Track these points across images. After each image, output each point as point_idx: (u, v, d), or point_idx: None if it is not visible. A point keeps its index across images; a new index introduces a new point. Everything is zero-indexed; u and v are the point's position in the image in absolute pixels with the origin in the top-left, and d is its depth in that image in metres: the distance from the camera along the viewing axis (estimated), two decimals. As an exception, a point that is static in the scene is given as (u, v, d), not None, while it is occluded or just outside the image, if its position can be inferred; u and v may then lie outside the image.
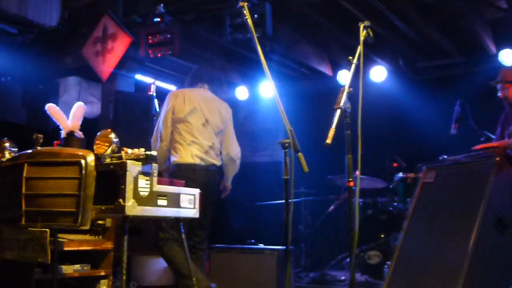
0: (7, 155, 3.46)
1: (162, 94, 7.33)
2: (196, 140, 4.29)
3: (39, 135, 3.28)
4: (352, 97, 2.81)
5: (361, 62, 2.81)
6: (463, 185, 3.96)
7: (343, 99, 2.66)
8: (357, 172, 2.92)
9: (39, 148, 3.26)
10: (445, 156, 4.29)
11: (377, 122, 7.06)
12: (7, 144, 3.50)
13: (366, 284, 5.54)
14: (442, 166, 4.18)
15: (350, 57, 2.83)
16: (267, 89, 8.32)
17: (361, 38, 2.86)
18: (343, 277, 5.83)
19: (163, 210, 3.20)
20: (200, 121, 4.35)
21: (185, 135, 4.29)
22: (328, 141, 2.55)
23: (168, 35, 5.72)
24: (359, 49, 2.83)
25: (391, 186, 6.15)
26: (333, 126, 2.59)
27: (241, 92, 8.71)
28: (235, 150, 4.61)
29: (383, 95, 7.41)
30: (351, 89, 2.73)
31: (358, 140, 2.68)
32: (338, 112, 2.64)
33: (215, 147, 4.43)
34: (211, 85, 4.56)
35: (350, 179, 2.72)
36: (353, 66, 2.80)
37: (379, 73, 7.43)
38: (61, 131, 3.83)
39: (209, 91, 4.55)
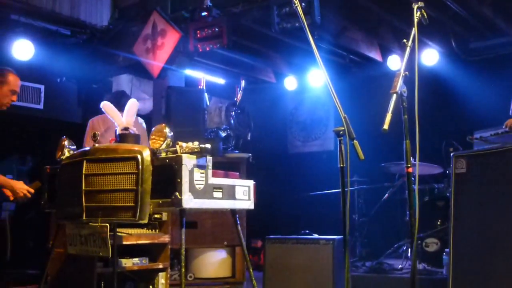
0: (67, 153, 3.55)
1: (212, 88, 7.42)
2: None
3: (97, 132, 3.36)
4: (406, 81, 2.75)
5: (416, 45, 2.73)
6: (501, 174, 3.93)
7: (399, 84, 2.59)
8: (416, 158, 2.85)
9: (96, 145, 3.33)
10: (470, 137, 4.21)
11: (431, 107, 6.91)
12: (66, 142, 3.60)
13: (424, 272, 5.43)
14: (473, 155, 4.12)
15: (405, 40, 2.75)
16: (316, 78, 8.26)
17: (415, 20, 2.78)
18: (400, 266, 5.73)
19: (218, 202, 3.22)
20: None
21: None
22: (385, 126, 2.49)
23: (216, 29, 5.74)
24: (414, 31, 2.75)
25: (448, 172, 5.99)
26: (390, 111, 2.52)
27: (290, 82, 8.68)
28: None
29: (436, 79, 7.24)
30: (406, 72, 2.66)
31: (416, 125, 2.61)
32: (394, 96, 2.58)
33: None
34: None
35: (409, 165, 2.66)
36: (408, 49, 2.72)
37: (431, 56, 7.27)
38: (116, 128, 3.90)
39: None
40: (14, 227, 7.73)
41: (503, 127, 4.22)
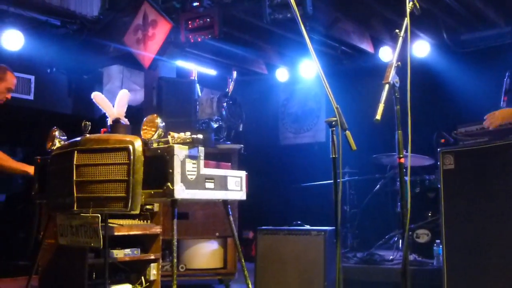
0: (57, 143, 3.54)
1: (203, 79, 7.39)
2: None
3: (88, 122, 3.34)
4: (398, 72, 2.74)
5: (408, 35, 2.73)
6: (489, 169, 4.01)
7: (391, 74, 2.60)
8: (408, 149, 2.85)
9: (87, 135, 3.32)
10: (456, 131, 4.24)
11: (422, 98, 6.93)
12: (56, 133, 3.58)
13: (415, 263, 5.46)
14: (460, 151, 4.17)
15: (397, 30, 2.75)
16: (308, 70, 8.25)
17: (408, 10, 2.77)
18: (391, 257, 5.76)
19: (211, 193, 3.22)
20: None
21: None
22: (378, 117, 2.49)
23: (208, 19, 5.71)
24: (406, 21, 2.75)
25: (438, 163, 6.01)
26: (382, 101, 2.52)
27: (281, 74, 8.67)
28: None
29: (427, 70, 7.26)
30: (399, 63, 2.66)
31: (408, 115, 2.61)
32: (387, 87, 2.58)
33: None
34: None
35: (401, 156, 2.66)
36: (400, 39, 2.72)
37: (422, 48, 7.29)
38: (107, 119, 3.89)
39: None
40: (4, 219, 7.72)
41: (483, 123, 4.24)
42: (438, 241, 5.31)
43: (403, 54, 2.79)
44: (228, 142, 5.89)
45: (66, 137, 3.60)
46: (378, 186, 6.65)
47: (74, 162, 3.14)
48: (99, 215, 3.09)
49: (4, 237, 7.15)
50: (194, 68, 6.43)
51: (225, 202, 3.48)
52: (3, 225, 7.44)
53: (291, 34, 7.04)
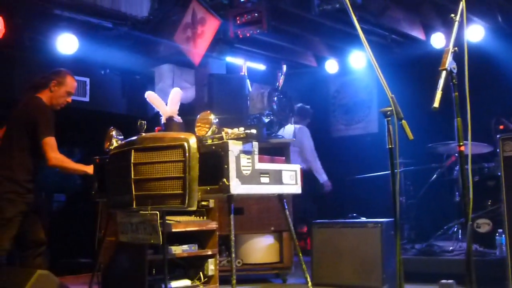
0: (114, 143, 3.62)
1: (253, 74, 7.40)
2: None
3: (143, 121, 3.40)
4: (454, 58, 2.66)
5: (464, 19, 2.65)
6: None
7: (448, 60, 2.52)
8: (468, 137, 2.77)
9: (143, 134, 3.38)
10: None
11: (478, 84, 6.72)
12: (113, 133, 3.66)
13: (477, 253, 5.31)
14: None
15: (452, 15, 2.67)
16: (358, 60, 8.15)
17: (463, -7, 2.69)
18: (451, 247, 5.63)
19: (266, 187, 3.22)
20: None
21: None
22: (436, 104, 2.43)
23: (256, 14, 5.72)
24: (462, 4, 2.67)
25: (498, 150, 5.82)
26: (440, 89, 2.46)
27: (331, 66, 8.58)
28: None
29: (482, 55, 7.02)
30: (455, 48, 2.58)
31: (467, 102, 2.54)
32: (444, 73, 2.51)
33: None
34: None
35: (461, 144, 2.58)
36: (456, 24, 2.64)
37: (476, 32, 7.05)
38: (160, 117, 3.95)
39: None
40: (65, 218, 7.97)
41: None
42: (500, 230, 5.14)
43: (458, 39, 2.71)
44: (280, 136, 5.88)
45: (122, 137, 3.67)
46: (434, 175, 6.50)
47: (132, 161, 3.20)
48: (157, 212, 3.14)
49: (65, 236, 7.39)
50: (243, 63, 6.44)
51: (280, 197, 3.47)
52: (64, 224, 7.69)
53: (340, 25, 6.96)
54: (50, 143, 3.88)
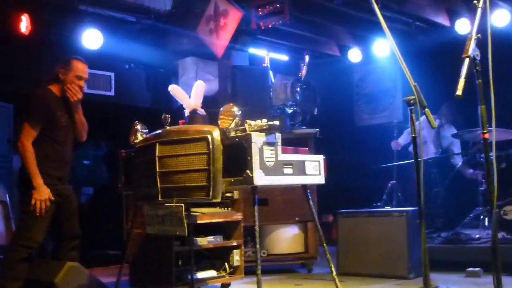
0: (140, 136, 3.67)
1: (276, 65, 7.40)
2: None
3: (167, 115, 3.44)
4: (478, 45, 2.63)
5: (487, 5, 2.61)
6: None
7: (471, 47, 2.49)
8: (492, 124, 2.73)
9: (167, 127, 3.42)
10: None
11: (504, 70, 6.61)
12: (138, 127, 3.71)
13: (504, 241, 5.25)
14: None
15: (475, 1, 2.63)
16: (381, 48, 8.07)
17: (486, -22, 2.65)
18: (477, 235, 5.57)
19: (289, 178, 3.24)
20: None
21: None
22: (459, 92, 2.40)
23: (277, 5, 5.73)
24: (485, -11, 2.62)
25: (525, 137, 5.75)
26: (463, 76, 2.43)
27: (354, 54, 8.52)
28: None
29: (508, 40, 6.90)
30: (479, 35, 2.55)
31: (491, 89, 2.51)
32: (467, 61, 2.48)
33: None
34: None
35: (485, 131, 2.56)
36: (479, 10, 2.60)
37: (502, 17, 6.93)
38: (184, 110, 3.98)
39: None
40: (93, 211, 8.10)
41: None
42: (528, 218, 5.08)
43: (482, 25, 2.68)
44: (304, 127, 5.88)
45: (147, 130, 3.72)
46: (460, 163, 6.43)
47: (157, 154, 3.25)
48: (183, 204, 3.18)
49: (94, 228, 7.51)
50: (266, 54, 6.44)
51: (304, 187, 3.49)
52: (92, 217, 7.82)
53: (363, 14, 6.90)
54: (27, 128, 3.80)
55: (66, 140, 3.99)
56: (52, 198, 3.79)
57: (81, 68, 4.01)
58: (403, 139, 7.35)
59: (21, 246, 3.76)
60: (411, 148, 6.68)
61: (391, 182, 7.19)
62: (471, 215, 6.09)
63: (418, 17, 7.37)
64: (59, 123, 3.92)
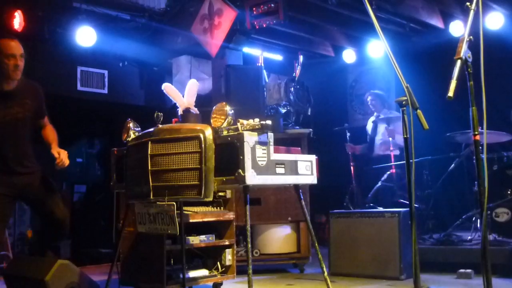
0: (132, 134, 3.66)
1: (270, 65, 7.40)
2: None
3: (160, 113, 3.44)
4: (471, 47, 2.64)
5: (480, 7, 2.62)
6: None
7: (463, 49, 2.50)
8: (483, 126, 2.75)
9: (160, 126, 3.41)
10: None
11: (497, 72, 6.64)
12: (131, 125, 3.70)
13: (495, 243, 5.28)
14: None
15: (468, 3, 2.64)
16: (376, 49, 8.09)
17: (480, -20, 2.65)
18: (469, 237, 5.59)
19: (281, 178, 3.24)
20: None
21: None
22: (450, 94, 2.41)
23: (272, 4, 5.72)
24: (478, -8, 2.63)
25: (517, 139, 5.77)
26: (454, 78, 2.44)
27: (348, 55, 8.53)
28: None
29: (502, 43, 6.93)
30: (471, 37, 2.56)
31: (483, 91, 2.52)
32: (459, 63, 2.49)
33: None
34: None
35: (476, 133, 2.57)
36: (472, 12, 2.61)
37: (495, 20, 6.96)
38: (177, 109, 3.98)
39: None
40: (85, 208, 8.08)
41: None
42: (519, 220, 5.11)
43: (475, 27, 2.68)
44: (297, 127, 5.88)
45: (140, 128, 3.71)
46: (453, 165, 6.45)
47: (149, 152, 3.24)
48: (174, 203, 3.18)
49: (86, 226, 7.50)
50: (260, 54, 6.44)
51: (296, 187, 3.49)
52: (85, 215, 7.80)
53: (357, 14, 6.92)
54: None
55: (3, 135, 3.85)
56: None
57: (8, 45, 3.77)
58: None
59: None
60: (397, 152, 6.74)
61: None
62: (463, 216, 6.12)
63: (412, 18, 7.39)
64: None
